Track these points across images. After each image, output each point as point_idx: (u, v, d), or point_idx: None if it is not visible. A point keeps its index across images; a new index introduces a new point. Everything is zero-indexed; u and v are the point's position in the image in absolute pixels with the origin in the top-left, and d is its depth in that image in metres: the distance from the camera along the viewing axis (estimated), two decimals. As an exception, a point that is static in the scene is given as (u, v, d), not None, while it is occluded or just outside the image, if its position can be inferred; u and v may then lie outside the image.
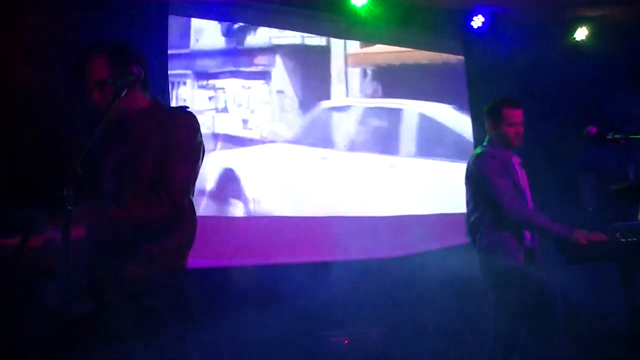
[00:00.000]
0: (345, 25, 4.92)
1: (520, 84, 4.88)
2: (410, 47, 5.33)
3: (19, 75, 3.45)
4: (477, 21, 5.25)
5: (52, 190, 1.71)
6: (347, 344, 4.24)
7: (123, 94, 2.00)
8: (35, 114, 3.39)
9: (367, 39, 5.02)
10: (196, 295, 2.18)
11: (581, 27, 5.49)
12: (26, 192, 2.86)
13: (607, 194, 3.03)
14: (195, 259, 2.27)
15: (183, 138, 2.12)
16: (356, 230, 4.56)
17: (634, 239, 2.72)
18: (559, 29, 5.49)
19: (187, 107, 2.26)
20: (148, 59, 2.23)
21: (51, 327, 1.89)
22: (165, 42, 4.21)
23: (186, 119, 2.18)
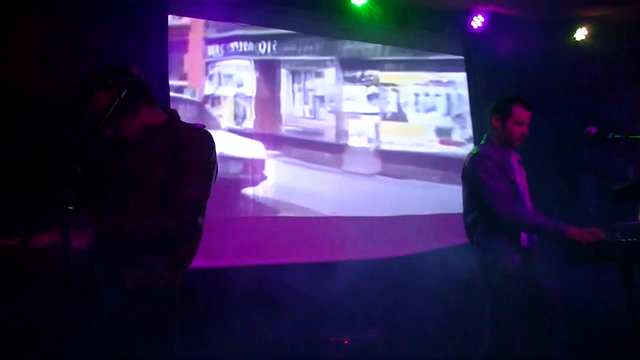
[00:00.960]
0: (345, 25, 4.92)
1: (520, 84, 4.88)
2: (410, 47, 5.32)
3: (19, 76, 3.45)
4: (477, 21, 5.26)
5: (52, 190, 1.71)
6: (347, 344, 4.24)
7: (123, 94, 1.98)
8: (35, 114, 3.40)
9: (367, 39, 5.01)
10: (196, 296, 2.18)
11: (581, 27, 5.49)
12: (26, 192, 2.86)
13: (607, 194, 3.03)
14: (196, 259, 2.27)
15: (197, 156, 2.10)
16: (356, 230, 4.55)
17: (634, 239, 2.72)
18: (559, 29, 5.49)
19: (204, 126, 2.23)
20: (148, 59, 2.23)
21: (50, 329, 1.89)
22: (165, 41, 4.18)
23: (200, 137, 2.15)
